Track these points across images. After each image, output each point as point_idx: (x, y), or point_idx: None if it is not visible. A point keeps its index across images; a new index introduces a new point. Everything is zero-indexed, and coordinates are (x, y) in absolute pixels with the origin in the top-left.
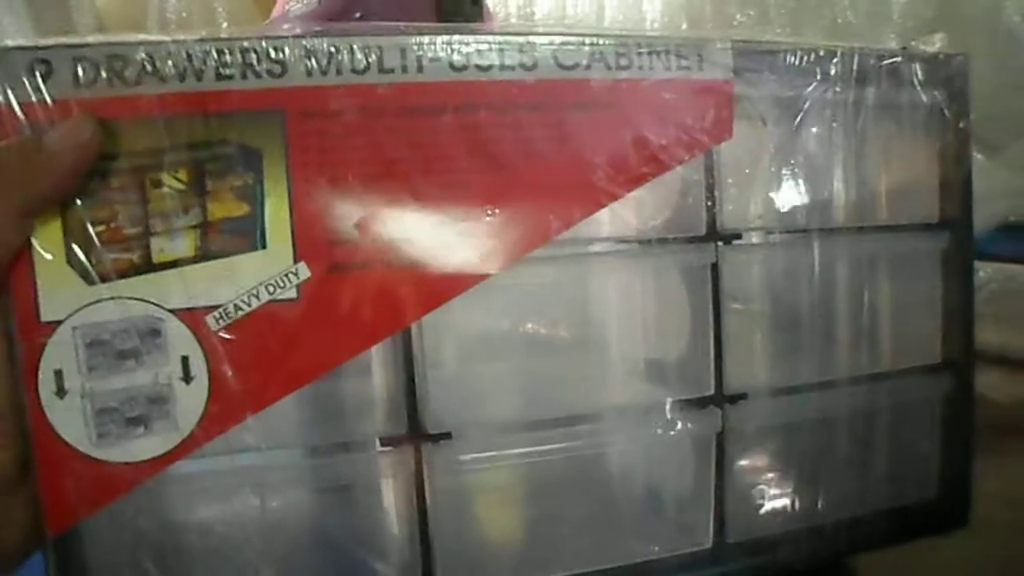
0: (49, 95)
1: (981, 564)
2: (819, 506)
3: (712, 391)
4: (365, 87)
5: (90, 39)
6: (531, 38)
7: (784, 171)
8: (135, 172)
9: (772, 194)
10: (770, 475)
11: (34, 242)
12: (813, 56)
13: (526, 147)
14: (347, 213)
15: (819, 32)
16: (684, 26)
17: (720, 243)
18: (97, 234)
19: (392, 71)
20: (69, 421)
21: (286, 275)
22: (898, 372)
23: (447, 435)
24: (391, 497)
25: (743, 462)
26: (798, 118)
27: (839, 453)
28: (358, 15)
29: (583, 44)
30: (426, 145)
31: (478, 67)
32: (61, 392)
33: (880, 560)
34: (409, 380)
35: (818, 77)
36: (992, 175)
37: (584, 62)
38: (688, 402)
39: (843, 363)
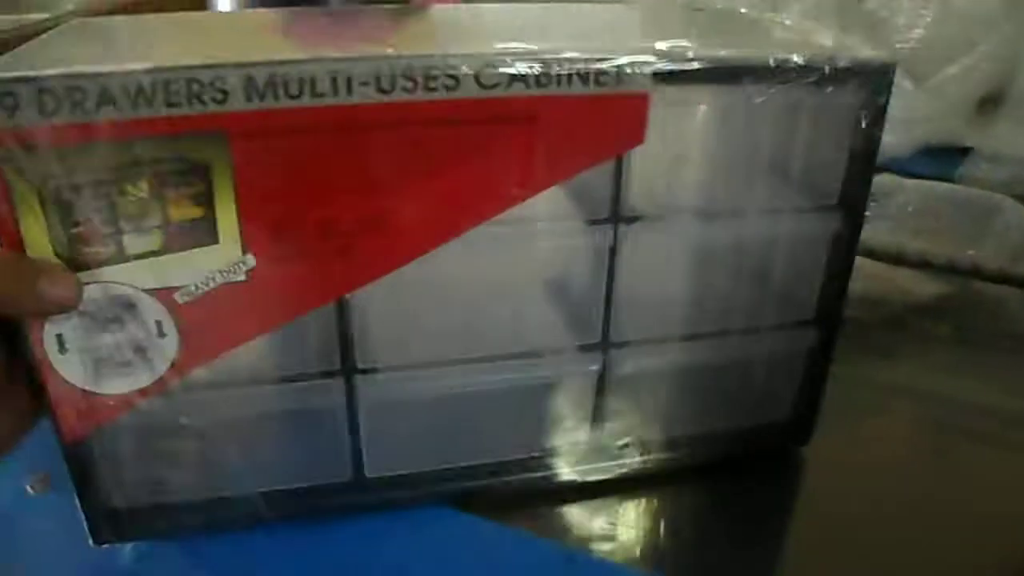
0: (18, 124)
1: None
2: (685, 420)
3: (599, 340)
4: (301, 109)
5: (50, 71)
6: (453, 61)
7: (691, 163)
8: (103, 184)
9: (676, 181)
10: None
11: (25, 239)
12: (734, 68)
13: (448, 155)
14: (284, 213)
15: None
16: None
17: (620, 224)
18: (76, 234)
19: (324, 95)
20: (72, 368)
21: (236, 264)
22: (775, 326)
23: (374, 369)
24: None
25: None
26: (711, 118)
27: (710, 382)
28: None
29: (504, 66)
30: (355, 155)
31: (404, 89)
32: (63, 349)
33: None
34: (342, 327)
35: (735, 83)
36: (917, 101)
37: (504, 82)
38: (580, 347)
39: (721, 317)
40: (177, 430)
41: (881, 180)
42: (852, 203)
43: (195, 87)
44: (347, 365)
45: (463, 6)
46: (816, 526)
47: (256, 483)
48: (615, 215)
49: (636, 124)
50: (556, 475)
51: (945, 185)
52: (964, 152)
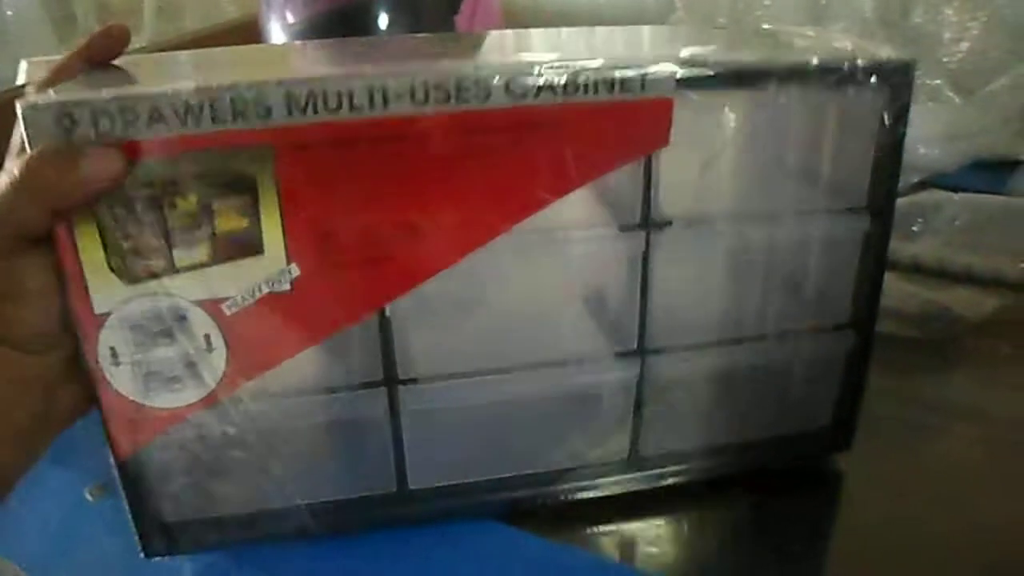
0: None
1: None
2: (724, 429)
3: (635, 347)
4: (339, 123)
5: (104, 94)
6: (483, 72)
7: (718, 166)
8: (153, 198)
9: (705, 185)
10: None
11: (81, 252)
12: (753, 71)
13: (480, 162)
14: (326, 223)
15: None
16: None
17: (652, 230)
18: (128, 247)
19: (361, 108)
20: (125, 381)
21: (280, 274)
22: (810, 330)
23: (415, 380)
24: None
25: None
26: (736, 123)
27: (747, 389)
28: None
29: (532, 75)
30: (392, 166)
31: (437, 100)
32: (117, 362)
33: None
34: (384, 338)
35: (759, 87)
36: (966, 116)
37: (532, 91)
38: (617, 354)
39: (755, 322)
40: (225, 442)
41: (929, 195)
42: (880, 204)
43: (239, 104)
44: (389, 376)
45: (510, 31)
46: (857, 539)
47: (302, 495)
48: (646, 221)
49: (661, 128)
50: (597, 486)
51: (994, 198)
52: (1014, 165)
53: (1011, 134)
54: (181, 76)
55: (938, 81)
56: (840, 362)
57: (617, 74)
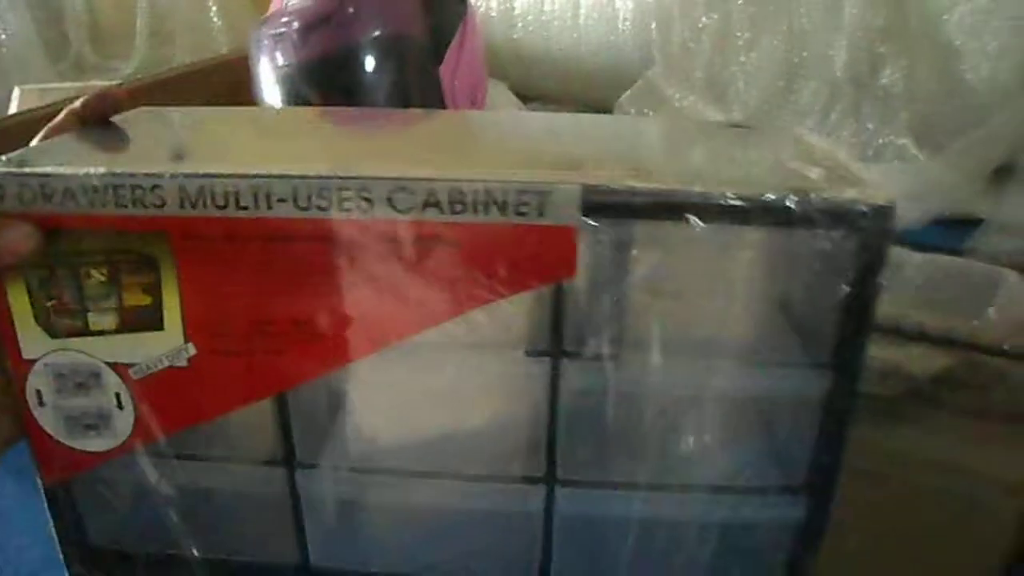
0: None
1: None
2: None
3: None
4: (230, 219)
5: (26, 170)
6: (366, 184)
7: (638, 300)
8: (73, 265)
9: (628, 319)
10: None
11: (12, 304)
12: (668, 204)
13: (368, 271)
14: (222, 311)
15: (777, 36)
16: (653, 25)
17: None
18: (49, 306)
19: (247, 208)
20: (48, 421)
21: (178, 351)
22: (749, 490)
23: (313, 465)
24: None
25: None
26: (656, 257)
27: (676, 544)
28: (351, 10)
29: (417, 190)
30: (283, 265)
31: (319, 208)
32: (41, 403)
33: None
34: (282, 419)
35: (678, 221)
36: (931, 174)
37: (418, 207)
38: (523, 478)
39: (687, 472)
40: (139, 488)
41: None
42: (846, 361)
43: (138, 192)
44: (288, 457)
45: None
46: None
47: (203, 550)
48: (556, 349)
49: (566, 257)
50: None
51: (949, 259)
52: (976, 223)
53: (974, 192)
54: (154, 147)
55: (904, 141)
56: (788, 529)
57: (511, 197)
